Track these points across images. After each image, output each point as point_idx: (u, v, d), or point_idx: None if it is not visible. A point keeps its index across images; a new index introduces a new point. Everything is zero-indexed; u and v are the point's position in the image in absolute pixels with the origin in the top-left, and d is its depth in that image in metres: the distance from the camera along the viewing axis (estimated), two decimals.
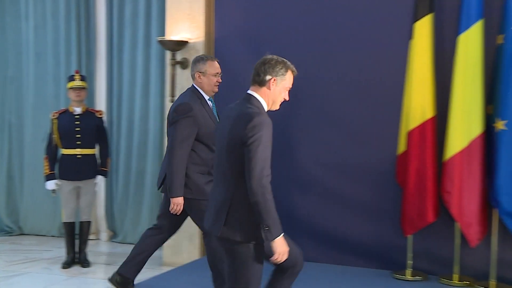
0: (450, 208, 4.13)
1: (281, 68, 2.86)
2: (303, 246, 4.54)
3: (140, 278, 4.09)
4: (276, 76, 2.85)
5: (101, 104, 5.78)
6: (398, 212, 4.35)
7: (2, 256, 5.13)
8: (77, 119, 4.80)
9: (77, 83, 4.81)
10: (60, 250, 5.20)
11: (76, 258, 4.86)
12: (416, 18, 4.22)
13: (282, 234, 2.70)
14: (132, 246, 4.07)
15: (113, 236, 5.84)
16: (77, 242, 4.89)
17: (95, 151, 4.91)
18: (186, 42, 4.83)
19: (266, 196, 2.67)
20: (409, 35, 4.28)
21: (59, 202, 5.19)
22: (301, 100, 4.67)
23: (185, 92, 3.86)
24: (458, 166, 4.11)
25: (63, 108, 5.07)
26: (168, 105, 4.93)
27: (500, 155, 4.01)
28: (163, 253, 5.00)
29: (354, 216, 4.58)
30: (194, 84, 3.82)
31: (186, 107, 3.70)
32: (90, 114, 4.87)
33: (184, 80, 4.93)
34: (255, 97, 2.85)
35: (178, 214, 3.72)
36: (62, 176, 4.81)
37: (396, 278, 4.33)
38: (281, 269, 3.01)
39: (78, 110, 4.83)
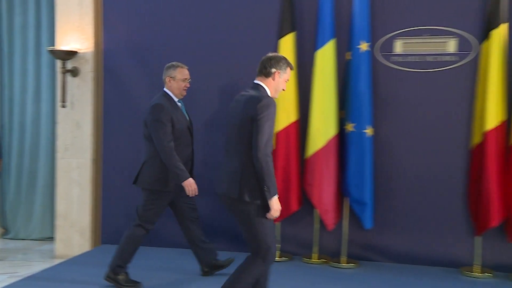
0: (311, 198, 4.82)
1: (284, 63, 3.50)
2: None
3: (32, 270, 4.38)
4: (280, 69, 3.48)
5: None
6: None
7: None
8: None
9: None
10: None
11: None
12: (281, 35, 4.84)
13: (277, 195, 3.36)
14: (24, 242, 4.34)
15: (5, 233, 6.05)
16: None
17: None
18: (76, 52, 5.17)
19: (269, 163, 3.30)
20: (275, 50, 4.86)
21: None
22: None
23: (157, 96, 4.31)
24: (318, 163, 4.79)
25: None
26: (60, 110, 5.27)
27: (350, 152, 4.75)
28: (55, 246, 5.34)
29: None
30: (164, 88, 4.30)
31: (158, 108, 4.16)
32: None
33: (74, 87, 5.30)
34: (262, 86, 3.47)
35: (197, 193, 4.17)
36: None
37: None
38: (256, 252, 3.44)
39: None
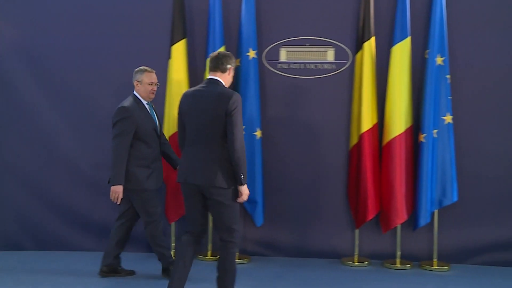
0: None
1: (233, 61, 3.85)
2: (80, 238, 5.18)
3: None
4: (232, 65, 3.83)
5: None
6: (164, 204, 5.11)
7: None
8: None
9: None
10: None
11: None
12: (173, 42, 5.03)
13: None
14: None
15: None
16: None
17: None
18: None
19: (244, 153, 3.67)
20: (167, 56, 5.08)
21: None
22: (75, 106, 5.28)
23: (127, 98, 4.50)
24: None
25: None
26: None
27: (258, 158, 5.02)
28: None
29: None
30: (134, 91, 4.51)
31: (121, 110, 4.38)
32: None
33: None
34: (220, 81, 3.76)
35: (117, 202, 4.36)
36: None
37: None
38: (228, 236, 3.77)
39: None
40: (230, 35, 5.13)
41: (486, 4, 4.98)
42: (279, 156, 5.21)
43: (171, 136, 5.00)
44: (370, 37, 4.95)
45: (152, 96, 4.54)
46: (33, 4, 5.27)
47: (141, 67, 4.54)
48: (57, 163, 5.30)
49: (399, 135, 4.92)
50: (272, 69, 5.18)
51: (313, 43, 5.12)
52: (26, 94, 5.26)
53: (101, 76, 5.25)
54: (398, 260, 5.03)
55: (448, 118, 4.91)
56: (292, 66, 5.16)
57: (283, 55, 5.16)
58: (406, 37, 4.90)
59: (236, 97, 3.70)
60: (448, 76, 4.89)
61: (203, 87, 3.80)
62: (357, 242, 5.12)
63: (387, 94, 4.97)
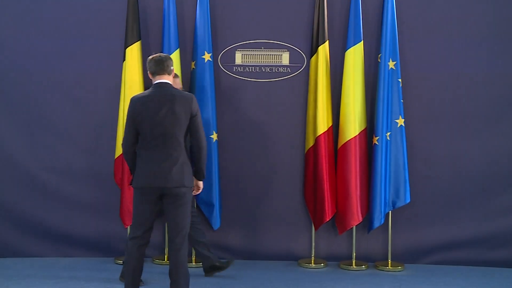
0: None
1: (172, 61, 3.92)
2: (32, 244, 5.07)
3: None
4: (173, 67, 3.89)
5: None
6: (118, 207, 5.05)
7: None
8: None
9: None
10: None
11: None
12: (127, 44, 4.99)
13: None
14: None
15: None
16: None
17: None
18: None
19: (206, 149, 3.85)
20: (122, 58, 5.02)
21: None
22: (26, 109, 5.18)
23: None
24: None
25: None
26: None
27: (214, 161, 5.01)
28: None
29: (79, 213, 5.19)
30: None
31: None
32: None
33: None
34: (169, 83, 3.83)
35: None
36: None
37: (118, 264, 4.99)
38: (184, 234, 3.80)
39: None
40: (185, 37, 5.14)
41: (435, 10, 5.13)
42: (236, 159, 5.22)
43: None
44: (325, 41, 5.03)
45: None
46: None
47: None
48: (6, 167, 5.16)
49: (354, 137, 5.00)
50: (227, 72, 5.20)
51: (268, 47, 5.17)
52: None
53: (53, 79, 5.16)
54: (354, 261, 5.09)
55: (400, 121, 5.02)
56: (247, 69, 5.19)
57: (239, 58, 5.19)
58: (359, 41, 5.00)
59: (195, 98, 3.83)
60: (400, 80, 5.01)
61: (156, 91, 3.79)
62: (313, 244, 5.16)
63: (341, 97, 5.06)
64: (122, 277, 4.47)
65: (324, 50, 5.03)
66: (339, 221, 5.09)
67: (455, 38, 5.11)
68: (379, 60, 5.02)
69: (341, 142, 5.04)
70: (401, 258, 5.14)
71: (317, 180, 5.02)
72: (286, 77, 5.18)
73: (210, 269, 4.74)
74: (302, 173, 5.21)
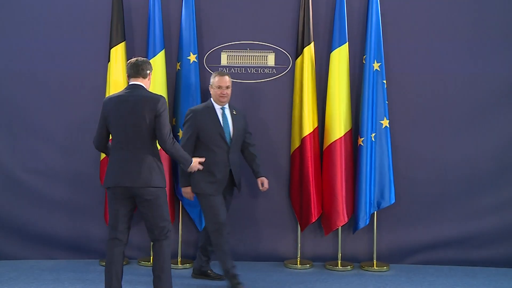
0: None
1: (151, 66, 4.02)
2: (14, 246, 5.02)
3: None
4: (151, 70, 4.00)
5: None
6: (102, 209, 5.04)
7: None
8: None
9: None
10: None
11: None
12: (111, 45, 4.96)
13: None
14: None
15: None
16: None
17: None
18: None
19: (176, 149, 3.89)
20: (107, 59, 5.00)
21: None
22: (9, 110, 5.13)
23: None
24: None
25: None
26: None
27: None
28: None
29: (63, 215, 5.15)
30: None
31: (187, 113, 4.49)
32: None
33: None
34: (143, 86, 3.92)
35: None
36: None
37: (103, 266, 4.87)
38: (163, 233, 3.90)
39: None
40: (170, 38, 5.12)
41: (419, 12, 5.18)
42: None
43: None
44: (310, 43, 5.05)
45: (223, 99, 4.50)
46: None
47: (216, 71, 4.59)
48: None
49: (339, 138, 5.02)
50: (213, 73, 5.13)
51: (254, 48, 5.17)
52: None
53: (36, 79, 5.12)
54: (339, 262, 5.11)
55: (385, 122, 5.06)
56: (233, 70, 5.18)
57: (224, 59, 5.19)
58: (345, 43, 5.03)
59: (163, 100, 3.89)
60: (384, 81, 5.04)
61: (127, 92, 3.91)
62: (299, 245, 5.17)
63: (327, 99, 5.08)
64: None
65: (309, 51, 5.05)
66: (325, 222, 5.10)
67: (439, 40, 5.16)
68: (364, 62, 5.06)
69: (327, 143, 5.06)
70: (386, 259, 5.18)
71: (303, 181, 5.03)
72: (272, 78, 5.19)
73: (199, 272, 4.75)
74: (288, 174, 5.22)
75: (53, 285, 4.48)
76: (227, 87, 4.52)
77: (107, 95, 4.95)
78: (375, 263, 5.11)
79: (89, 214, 5.14)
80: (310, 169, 5.02)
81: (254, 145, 4.71)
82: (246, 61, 5.18)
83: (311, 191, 5.02)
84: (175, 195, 5.05)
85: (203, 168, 4.27)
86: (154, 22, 4.97)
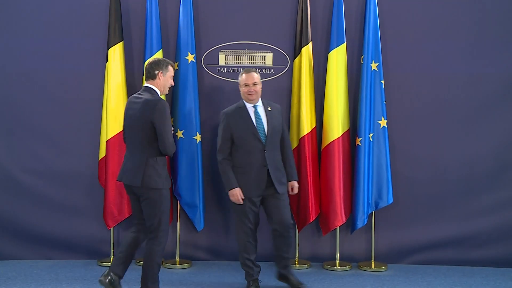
0: None
1: (163, 64, 4.07)
2: (12, 246, 5.02)
3: None
4: (161, 70, 4.05)
5: None
6: (101, 209, 5.03)
7: None
8: None
9: None
10: None
11: None
12: (109, 45, 4.96)
13: None
14: None
15: None
16: None
17: None
18: None
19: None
20: (105, 59, 5.00)
21: None
22: (7, 110, 5.12)
23: None
24: None
25: None
26: None
27: (180, 158, 4.98)
28: None
29: (61, 215, 5.14)
30: None
31: (220, 116, 4.49)
32: None
33: None
34: (152, 88, 4.04)
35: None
36: None
37: (102, 266, 4.98)
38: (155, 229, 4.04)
39: None
40: (168, 38, 5.12)
41: (417, 12, 5.18)
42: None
43: (112, 138, 4.91)
44: (308, 43, 5.04)
45: (251, 97, 4.41)
46: None
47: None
48: None
49: (337, 138, 5.02)
50: (211, 73, 5.18)
51: (252, 48, 5.17)
52: None
53: (34, 79, 5.11)
54: (337, 262, 5.11)
55: (383, 122, 5.06)
56: (231, 70, 5.18)
57: (222, 59, 5.18)
58: (342, 43, 5.03)
59: (161, 105, 3.95)
60: (382, 81, 5.04)
61: (138, 94, 4.11)
62: (297, 245, 5.17)
63: (325, 99, 5.07)
64: None
65: (307, 51, 5.04)
66: (323, 222, 5.10)
67: (437, 40, 5.16)
68: (361, 62, 5.06)
69: (325, 143, 5.06)
70: (384, 259, 5.18)
71: (300, 181, 5.00)
72: (270, 78, 5.19)
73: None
74: None
75: (51, 285, 4.49)
76: (254, 84, 4.43)
77: (104, 95, 5.00)
78: (373, 263, 5.11)
79: (88, 214, 5.15)
80: (308, 169, 5.01)
81: (289, 144, 4.60)
82: (244, 61, 5.17)
83: (309, 191, 5.01)
84: (173, 195, 5.05)
85: (238, 170, 4.31)
86: (151, 21, 4.96)
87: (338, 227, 5.10)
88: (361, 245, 5.22)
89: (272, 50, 5.18)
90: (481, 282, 4.78)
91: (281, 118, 4.55)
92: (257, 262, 4.54)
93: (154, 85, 4.05)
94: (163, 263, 4.97)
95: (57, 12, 5.12)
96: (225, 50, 5.17)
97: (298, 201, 5.08)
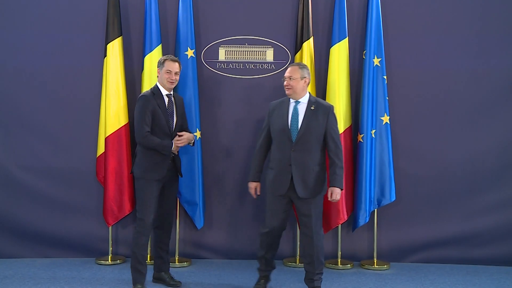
0: None
1: (160, 61, 4.31)
2: (10, 244, 4.97)
3: None
4: (158, 67, 4.33)
5: None
6: (101, 207, 4.99)
7: None
8: None
9: None
10: None
11: None
12: (108, 40, 4.91)
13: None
14: None
15: None
16: None
17: None
18: None
19: (145, 140, 4.19)
20: (103, 54, 4.95)
21: None
22: (3, 106, 5.06)
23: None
24: None
25: None
26: None
27: (180, 155, 4.90)
28: None
29: (59, 212, 5.08)
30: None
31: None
32: None
33: None
34: (156, 83, 4.35)
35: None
36: None
37: (100, 264, 4.94)
38: None
39: None
40: (167, 33, 5.06)
41: (420, 7, 5.12)
42: (219, 157, 5.15)
43: (111, 134, 4.86)
44: (309, 38, 4.98)
45: (286, 92, 4.22)
46: None
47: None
48: None
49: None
50: (210, 68, 5.12)
51: (252, 43, 5.10)
52: None
53: (32, 75, 5.05)
54: (339, 260, 5.06)
55: (385, 119, 4.99)
56: (231, 65, 5.12)
57: (222, 54, 5.12)
58: (344, 38, 4.97)
59: (138, 98, 4.30)
60: (385, 77, 4.98)
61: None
62: (298, 243, 5.11)
63: (326, 94, 5.00)
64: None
65: (308, 46, 4.97)
66: (324, 219, 5.02)
67: (441, 35, 5.09)
68: (364, 57, 4.99)
69: None
70: (386, 257, 5.12)
71: None
72: (271, 73, 5.13)
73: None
74: None
75: (49, 283, 4.43)
76: (290, 78, 4.20)
77: (103, 91, 4.95)
78: (375, 261, 5.05)
79: (86, 212, 5.09)
80: None
81: (335, 149, 4.17)
82: (244, 57, 5.11)
83: None
84: None
85: (270, 164, 4.23)
86: (150, 16, 4.90)
87: (339, 225, 5.04)
88: (363, 243, 5.16)
89: (273, 45, 5.11)
90: (485, 281, 4.72)
91: (326, 120, 4.18)
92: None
93: (158, 81, 4.37)
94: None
95: (55, 7, 5.06)
96: (225, 45, 5.11)
97: None
